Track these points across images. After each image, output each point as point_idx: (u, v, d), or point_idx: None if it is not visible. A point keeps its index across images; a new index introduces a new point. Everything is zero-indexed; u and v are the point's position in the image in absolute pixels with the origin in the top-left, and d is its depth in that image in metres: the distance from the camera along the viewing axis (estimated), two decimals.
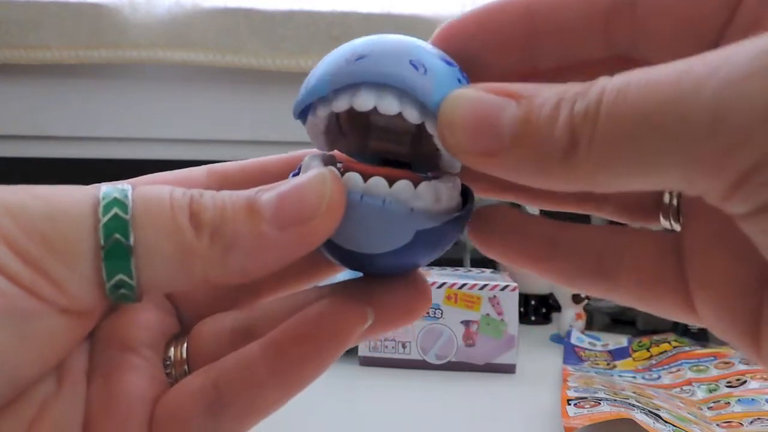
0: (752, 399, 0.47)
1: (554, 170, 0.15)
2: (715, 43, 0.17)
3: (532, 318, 0.77)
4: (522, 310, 0.75)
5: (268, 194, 0.16)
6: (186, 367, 0.20)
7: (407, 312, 0.19)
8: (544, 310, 0.78)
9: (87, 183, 0.17)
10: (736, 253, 0.17)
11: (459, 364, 0.58)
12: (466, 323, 0.58)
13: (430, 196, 0.18)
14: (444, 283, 0.59)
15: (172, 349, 0.20)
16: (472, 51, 0.19)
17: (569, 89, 0.15)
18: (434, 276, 0.62)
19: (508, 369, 0.58)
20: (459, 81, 0.18)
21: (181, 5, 0.81)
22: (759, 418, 0.44)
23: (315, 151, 0.21)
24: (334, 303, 0.18)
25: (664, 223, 0.19)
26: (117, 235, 0.15)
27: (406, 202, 0.18)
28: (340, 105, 0.18)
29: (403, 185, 0.18)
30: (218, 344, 0.20)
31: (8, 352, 0.15)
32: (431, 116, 0.17)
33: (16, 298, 0.15)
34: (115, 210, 0.15)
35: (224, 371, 0.18)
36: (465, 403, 0.51)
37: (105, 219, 0.15)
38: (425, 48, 0.18)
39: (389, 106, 0.17)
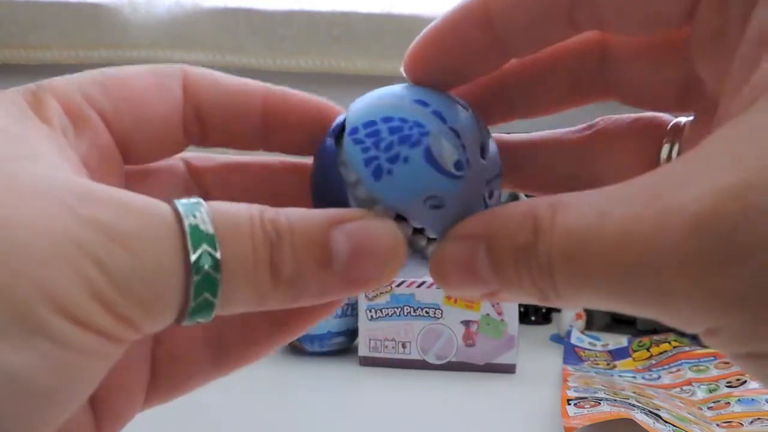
0: (752, 399, 0.47)
1: (544, 301, 0.16)
2: (684, 20, 0.17)
3: (532, 318, 0.77)
4: (522, 310, 0.75)
5: (342, 241, 0.17)
6: None
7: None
8: (544, 310, 0.78)
9: None
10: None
11: (459, 364, 0.58)
12: (466, 323, 0.58)
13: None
14: None
15: None
16: (445, 67, 0.19)
17: (518, 236, 0.16)
18: None
19: (508, 369, 0.58)
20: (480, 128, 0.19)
21: (181, 5, 0.81)
22: (759, 418, 0.44)
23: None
24: None
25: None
26: (207, 295, 0.15)
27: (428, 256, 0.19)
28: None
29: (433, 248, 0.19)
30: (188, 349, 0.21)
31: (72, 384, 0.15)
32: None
33: (102, 346, 0.15)
34: (207, 268, 0.15)
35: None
36: (465, 403, 0.51)
37: (197, 279, 0.15)
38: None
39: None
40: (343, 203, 0.18)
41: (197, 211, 0.15)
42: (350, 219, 0.17)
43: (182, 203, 0.16)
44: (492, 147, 0.20)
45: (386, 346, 0.59)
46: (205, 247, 0.15)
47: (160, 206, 0.15)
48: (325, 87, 0.85)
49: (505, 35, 0.19)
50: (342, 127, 0.19)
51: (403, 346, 0.59)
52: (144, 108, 0.19)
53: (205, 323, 0.16)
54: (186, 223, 0.15)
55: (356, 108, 0.19)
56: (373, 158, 0.18)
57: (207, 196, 0.22)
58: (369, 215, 0.18)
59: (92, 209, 0.14)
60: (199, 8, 0.82)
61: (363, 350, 0.60)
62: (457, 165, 0.18)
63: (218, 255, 0.15)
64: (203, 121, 0.20)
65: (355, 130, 0.18)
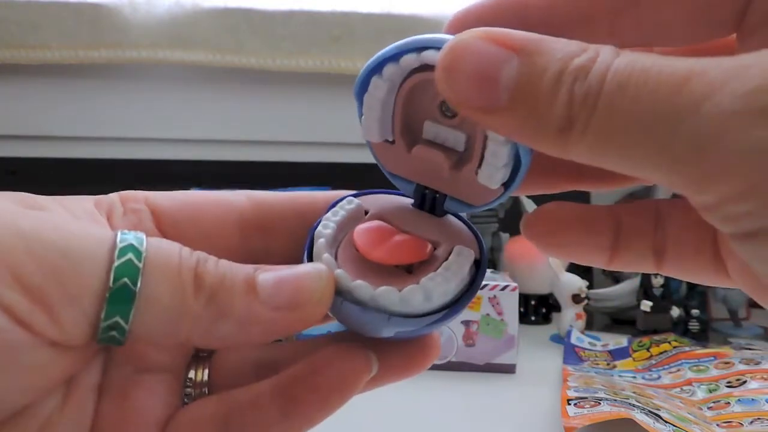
0: (752, 399, 0.47)
1: (549, 142, 0.15)
2: (736, 25, 0.16)
3: (532, 318, 0.77)
4: (522, 310, 0.75)
5: (267, 275, 0.18)
6: (206, 389, 0.21)
7: (411, 365, 0.20)
8: (544, 310, 0.78)
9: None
10: None
11: (459, 364, 0.58)
12: (466, 323, 0.58)
13: (418, 299, 0.19)
14: None
15: (193, 370, 0.21)
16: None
17: (573, 58, 0.14)
18: None
19: (508, 369, 0.58)
20: None
21: (181, 5, 0.81)
22: (759, 418, 0.44)
23: (350, 193, 0.22)
24: (339, 350, 0.19)
25: None
26: (126, 280, 0.16)
27: (386, 308, 0.19)
28: (410, 60, 0.18)
29: (385, 291, 0.19)
30: (240, 373, 0.21)
31: None
32: None
33: (5, 331, 0.15)
34: (130, 255, 0.16)
35: (237, 406, 0.19)
36: (465, 403, 0.51)
37: (118, 262, 0.15)
38: None
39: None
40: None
41: (133, 233, 0.17)
42: (277, 268, 0.18)
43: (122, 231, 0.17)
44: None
45: None
46: (132, 241, 0.16)
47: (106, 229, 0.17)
48: (325, 87, 0.85)
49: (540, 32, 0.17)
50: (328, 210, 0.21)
51: None
52: (198, 213, 0.21)
53: (210, 407, 0.17)
54: (119, 234, 0.16)
55: None
56: None
57: None
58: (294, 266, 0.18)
59: (39, 216, 0.16)
60: (199, 8, 0.82)
61: None
62: None
63: (143, 248, 0.16)
64: (266, 228, 0.22)
65: None
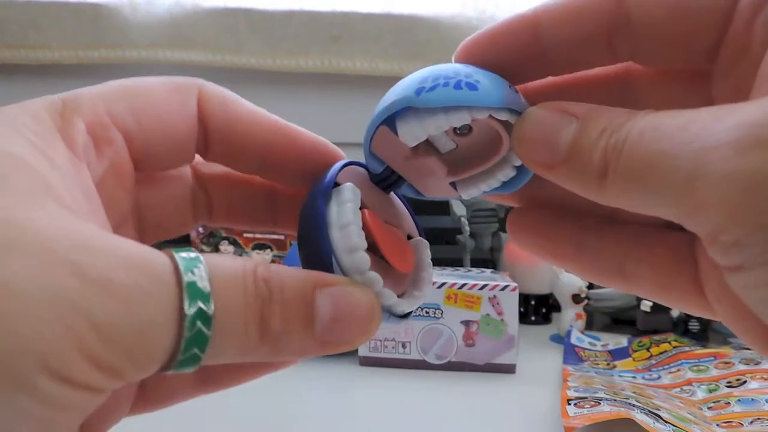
0: (752, 399, 0.47)
1: (593, 188, 0.17)
2: (710, 56, 0.19)
3: (532, 318, 0.77)
4: (522, 310, 0.75)
5: (326, 305, 0.18)
6: None
7: None
8: (544, 310, 0.78)
9: None
10: None
11: (459, 364, 0.58)
12: (466, 323, 0.58)
13: (413, 306, 0.22)
14: (444, 283, 0.59)
15: None
16: (492, 63, 0.20)
17: (615, 119, 0.17)
18: (434, 276, 0.62)
19: (508, 369, 0.58)
20: (509, 86, 0.20)
21: (181, 5, 0.81)
22: (759, 418, 0.44)
23: (340, 163, 0.21)
24: None
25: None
26: (195, 350, 0.16)
27: (389, 309, 0.21)
28: (440, 122, 0.19)
29: (399, 301, 0.20)
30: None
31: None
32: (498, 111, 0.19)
33: (83, 400, 0.15)
34: (199, 325, 0.15)
35: None
36: (465, 403, 0.51)
37: (188, 335, 0.15)
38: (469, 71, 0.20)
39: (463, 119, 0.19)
40: (327, 263, 0.19)
41: (195, 267, 0.16)
42: (334, 283, 0.18)
43: (182, 257, 0.16)
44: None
45: (386, 346, 0.59)
46: (200, 304, 0.15)
47: (158, 259, 0.16)
48: (325, 87, 0.85)
49: (550, 49, 0.20)
50: (333, 185, 0.20)
51: (403, 346, 0.59)
52: (166, 124, 0.20)
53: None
54: (185, 279, 0.15)
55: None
56: (457, 82, 0.19)
57: (210, 204, 0.22)
58: (351, 282, 0.19)
59: (93, 263, 0.15)
60: (199, 8, 0.82)
61: (363, 350, 0.60)
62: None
63: (211, 312, 0.16)
64: (207, 139, 0.21)
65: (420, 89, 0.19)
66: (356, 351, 0.60)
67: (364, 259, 0.19)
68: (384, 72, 0.82)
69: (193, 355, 0.16)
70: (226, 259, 0.17)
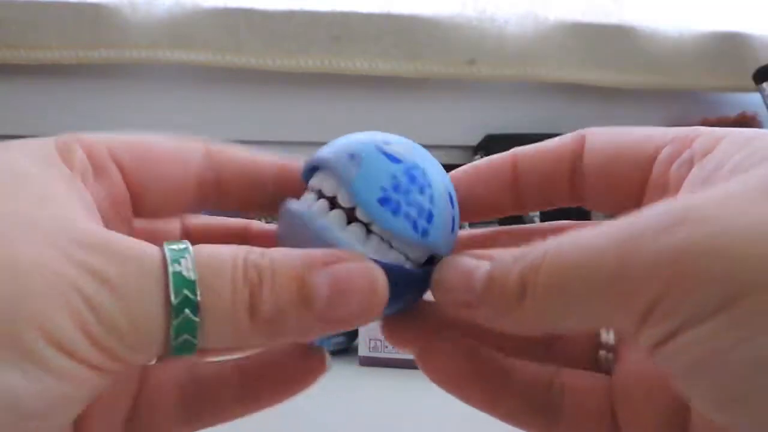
0: None
1: (513, 314, 0.18)
2: (639, 199, 0.21)
3: None
4: None
5: (323, 282, 0.18)
6: None
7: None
8: None
9: None
10: (656, 392, 0.20)
11: None
12: None
13: None
14: None
15: None
16: (476, 191, 0.23)
17: (529, 250, 0.18)
18: None
19: None
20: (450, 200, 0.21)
21: (181, 5, 0.81)
22: None
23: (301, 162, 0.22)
24: (299, 347, 0.22)
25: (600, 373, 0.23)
26: (187, 336, 0.17)
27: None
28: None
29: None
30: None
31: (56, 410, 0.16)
32: None
33: (85, 376, 0.16)
34: (187, 312, 0.17)
35: (202, 376, 0.22)
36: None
37: (176, 322, 0.16)
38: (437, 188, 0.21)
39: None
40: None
41: (182, 257, 0.17)
42: (333, 261, 0.18)
43: (171, 249, 0.17)
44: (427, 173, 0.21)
45: (386, 346, 0.59)
46: (185, 292, 0.17)
47: (148, 252, 0.17)
48: (325, 87, 0.85)
49: (523, 184, 0.23)
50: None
51: None
52: (160, 170, 0.21)
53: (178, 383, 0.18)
54: (170, 270, 0.17)
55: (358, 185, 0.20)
56: (414, 221, 0.20)
57: None
58: (351, 256, 0.19)
59: (87, 254, 0.16)
60: (199, 8, 0.82)
61: (363, 350, 0.60)
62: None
63: (197, 299, 0.17)
64: (222, 191, 0.22)
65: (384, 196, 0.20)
66: (356, 351, 0.60)
67: (357, 231, 0.20)
68: (384, 72, 0.82)
69: (186, 341, 0.17)
70: (216, 248, 0.18)
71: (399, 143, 0.21)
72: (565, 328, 0.18)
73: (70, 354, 0.15)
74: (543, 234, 0.22)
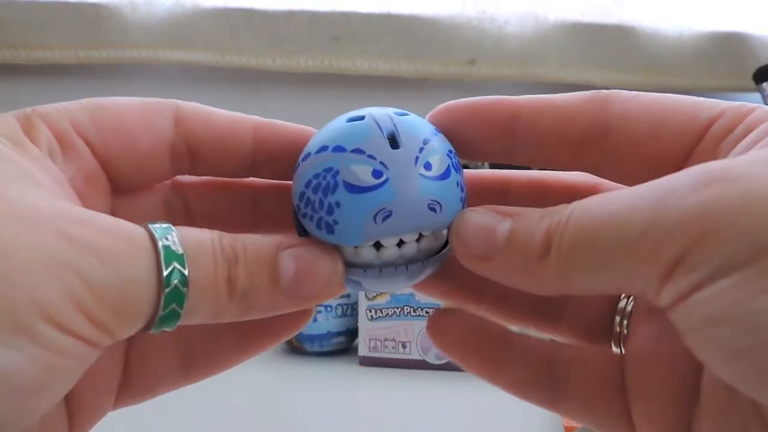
0: None
1: (534, 271, 0.18)
2: (677, 169, 0.20)
3: None
4: None
5: (289, 262, 0.19)
6: None
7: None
8: None
9: None
10: (669, 367, 0.20)
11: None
12: None
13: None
14: None
15: None
16: (462, 131, 0.22)
17: (557, 210, 0.18)
18: None
19: None
20: (458, 185, 0.21)
21: (181, 5, 0.81)
22: None
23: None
24: None
25: (615, 349, 0.23)
26: (174, 306, 0.17)
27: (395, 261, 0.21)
28: (369, 253, 0.20)
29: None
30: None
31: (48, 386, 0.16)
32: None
33: (79, 349, 0.16)
34: (176, 282, 0.17)
35: (199, 333, 0.22)
36: (465, 403, 0.51)
37: (167, 291, 0.17)
38: (437, 155, 0.20)
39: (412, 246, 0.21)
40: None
41: (168, 234, 0.18)
42: (296, 245, 0.20)
43: (155, 227, 0.18)
44: (405, 125, 0.20)
45: (386, 346, 0.59)
46: (175, 264, 0.17)
47: (137, 229, 0.17)
48: (325, 87, 0.85)
49: (521, 137, 0.21)
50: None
51: (403, 346, 0.59)
52: (129, 139, 0.21)
53: (171, 332, 0.18)
54: (160, 244, 0.17)
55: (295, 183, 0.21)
56: (320, 220, 0.20)
57: (188, 211, 0.24)
58: (312, 241, 0.20)
59: (77, 230, 0.16)
60: (199, 8, 0.82)
61: (363, 350, 0.60)
62: (375, 173, 0.19)
63: (186, 272, 0.17)
64: (194, 155, 0.22)
65: (297, 208, 0.21)
66: (356, 351, 0.60)
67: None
68: (384, 72, 0.82)
69: (173, 311, 0.17)
70: (193, 230, 0.19)
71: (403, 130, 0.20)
72: (583, 287, 0.18)
73: (64, 329, 0.15)
74: (559, 188, 0.23)
